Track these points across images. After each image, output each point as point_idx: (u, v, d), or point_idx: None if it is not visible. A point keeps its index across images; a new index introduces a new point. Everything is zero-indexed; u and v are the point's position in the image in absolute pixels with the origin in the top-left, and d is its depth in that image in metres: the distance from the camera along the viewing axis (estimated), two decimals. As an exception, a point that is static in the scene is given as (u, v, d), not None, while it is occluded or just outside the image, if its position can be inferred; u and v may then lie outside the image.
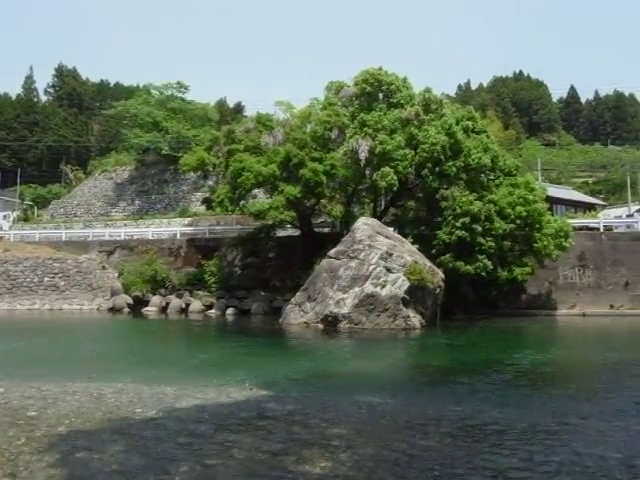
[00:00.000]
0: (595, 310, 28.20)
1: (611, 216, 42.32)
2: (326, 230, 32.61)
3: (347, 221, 28.69)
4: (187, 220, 40.10)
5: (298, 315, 22.51)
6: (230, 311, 28.85)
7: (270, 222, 28.70)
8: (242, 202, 28.91)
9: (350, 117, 28.61)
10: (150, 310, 29.81)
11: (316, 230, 31.97)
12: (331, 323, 21.30)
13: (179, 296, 30.52)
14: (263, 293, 29.47)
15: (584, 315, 27.90)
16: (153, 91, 53.30)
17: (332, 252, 23.04)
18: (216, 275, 30.45)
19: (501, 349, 17.34)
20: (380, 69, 29.21)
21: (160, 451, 5.73)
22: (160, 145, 47.29)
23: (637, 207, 51.97)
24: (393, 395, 9.78)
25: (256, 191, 30.70)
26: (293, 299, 23.43)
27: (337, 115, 27.95)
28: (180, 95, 52.58)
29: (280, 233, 32.08)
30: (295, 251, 30.07)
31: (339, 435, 6.87)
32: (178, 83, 52.50)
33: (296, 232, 31.85)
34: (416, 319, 21.66)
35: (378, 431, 7.27)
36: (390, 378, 12.20)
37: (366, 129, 27.02)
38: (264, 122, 30.40)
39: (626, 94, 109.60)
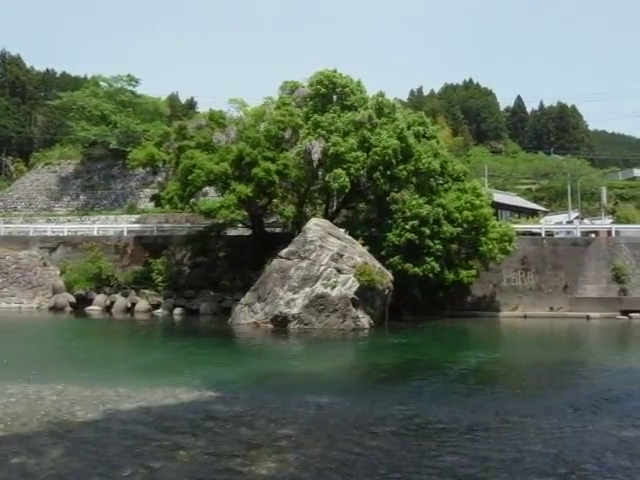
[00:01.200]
0: (536, 312, 29.35)
1: (552, 222, 44.14)
2: (277, 230, 32.47)
3: (299, 221, 28.67)
4: (135, 217, 38.96)
5: (248, 315, 22.33)
6: (178, 311, 28.25)
7: (221, 221, 28.28)
8: (192, 200, 28.33)
9: (304, 118, 28.63)
10: (93, 309, 28.79)
11: (267, 230, 31.77)
12: (281, 323, 21.26)
13: (125, 295, 29.61)
14: (212, 293, 29.01)
15: (525, 317, 28.97)
16: (102, 83, 51.50)
17: (283, 252, 23.00)
18: (164, 274, 29.74)
19: (447, 349, 17.78)
20: (335, 71, 29.39)
21: (102, 454, 5.55)
22: (108, 139, 45.72)
23: (576, 214, 54.47)
24: (341, 395, 9.85)
25: (207, 189, 30.18)
26: (243, 299, 23.22)
27: (291, 115, 27.92)
28: (130, 88, 50.99)
29: (231, 232, 31.66)
30: (246, 251, 29.78)
31: (287, 435, 6.86)
32: (128, 76, 50.93)
33: (247, 232, 31.54)
34: (365, 320, 21.91)
35: (326, 431, 7.30)
36: (338, 378, 12.28)
37: (319, 130, 27.11)
38: (217, 119, 29.95)
39: (568, 105, 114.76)
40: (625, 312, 28.69)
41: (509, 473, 5.63)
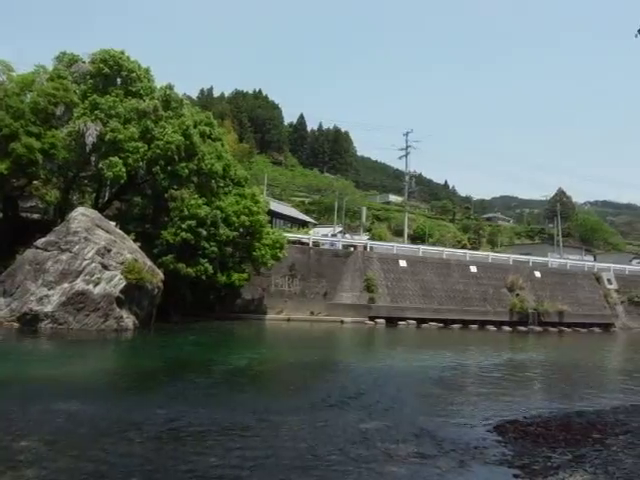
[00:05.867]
0: (299, 316, 31.54)
1: (319, 234, 47.95)
2: (36, 216, 28.88)
3: (63, 209, 25.91)
4: None
5: (-12, 311, 19.24)
6: None
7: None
8: None
9: (81, 96, 26.03)
10: None
11: (23, 215, 27.99)
12: (30, 322, 18.74)
13: None
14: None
15: (289, 320, 30.90)
16: None
17: (40, 242, 20.41)
18: None
19: (213, 351, 17.87)
20: (122, 53, 27.39)
21: None
22: None
23: (340, 229, 60.21)
24: (95, 401, 9.12)
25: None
26: (-17, 292, 19.95)
27: (66, 90, 25.08)
28: None
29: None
30: (-7, 236, 25.74)
31: (26, 449, 6.09)
32: None
33: (-3, 214, 27.34)
34: (130, 320, 20.75)
35: (74, 441, 6.68)
36: (93, 383, 11.34)
37: (97, 112, 24.96)
38: (-31, 80, 25.42)
39: (342, 131, 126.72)
40: (372, 318, 32.69)
41: (262, 470, 5.88)
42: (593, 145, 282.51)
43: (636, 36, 8.75)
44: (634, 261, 67.31)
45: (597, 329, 39.49)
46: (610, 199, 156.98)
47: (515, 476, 5.73)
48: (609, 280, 44.50)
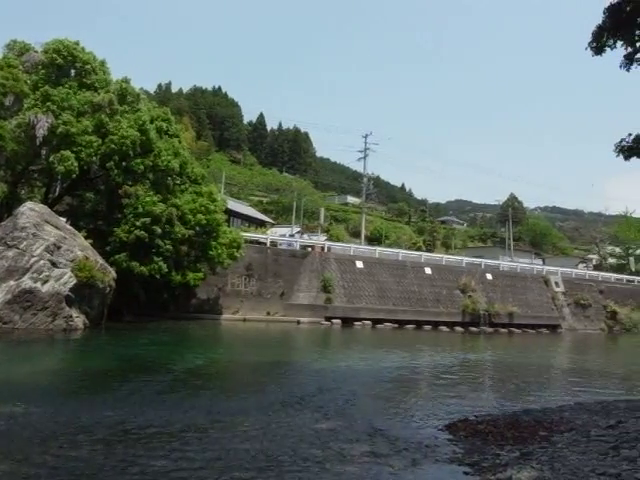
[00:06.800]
0: (255, 316, 31.33)
1: (277, 234, 47.83)
2: (-19, 210, 27.53)
3: (10, 204, 24.86)
4: None
5: None
6: None
7: None
8: None
9: (32, 86, 25.04)
10: None
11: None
12: (-28, 320, 17.96)
13: None
14: None
15: (245, 320, 30.65)
16: None
17: (-15, 237, 19.56)
18: None
19: (166, 351, 17.53)
20: (77, 44, 26.49)
21: None
22: None
23: (298, 229, 60.20)
24: (42, 403, 8.79)
25: None
26: None
27: (16, 80, 24.06)
28: None
29: None
30: None
31: (-36, 454, 5.81)
32: None
33: None
34: (80, 319, 20.12)
35: (17, 445, 6.42)
36: (40, 384, 10.92)
37: (49, 104, 24.06)
38: None
39: (302, 131, 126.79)
40: (328, 318, 32.83)
41: (214, 472, 5.80)
42: (545, 153, 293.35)
43: (586, 49, 9.14)
44: (580, 265, 70.28)
45: (545, 330, 40.93)
46: (559, 205, 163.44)
47: (465, 473, 5.86)
48: (557, 283, 46.19)
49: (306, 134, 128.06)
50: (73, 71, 26.47)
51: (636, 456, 5.76)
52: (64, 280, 19.81)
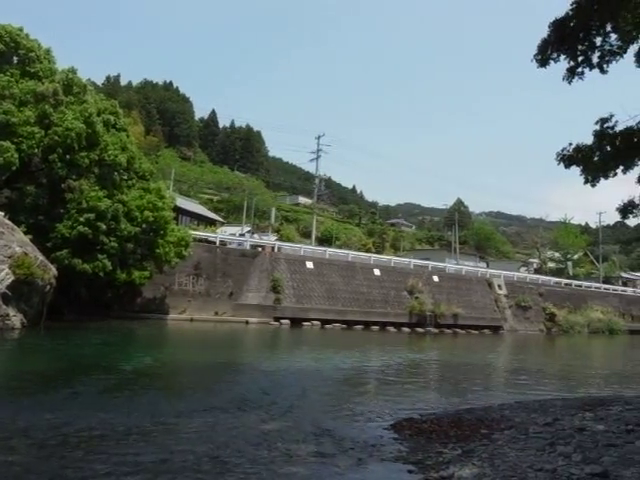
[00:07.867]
0: (202, 316, 30.84)
1: (227, 233, 47.31)
2: None
3: (-58, 195, 23.54)
4: None
5: None
6: None
7: None
8: None
9: (-31, 73, 23.81)
10: None
11: None
12: None
13: None
14: None
15: (192, 320, 30.13)
16: None
17: None
18: None
19: (110, 352, 17.01)
20: (21, 30, 25.32)
21: None
22: None
23: (249, 228, 59.75)
24: (-27, 405, 8.34)
25: None
26: None
27: (-50, 65, 22.86)
28: None
29: None
30: None
31: None
32: None
33: None
34: (17, 318, 19.24)
35: (-55, 450, 6.06)
36: (-27, 385, 10.37)
37: (-12, 92, 22.97)
38: None
39: (255, 130, 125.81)
40: (277, 319, 32.76)
41: (156, 475, 5.67)
42: (490, 160, 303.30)
43: (531, 60, 9.51)
44: (522, 269, 73.10)
45: (487, 331, 42.29)
46: (503, 210, 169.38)
47: (409, 471, 5.97)
48: (499, 286, 47.84)
49: (259, 133, 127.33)
50: (16, 58, 25.35)
51: (571, 452, 6.03)
52: (1, 277, 18.89)
